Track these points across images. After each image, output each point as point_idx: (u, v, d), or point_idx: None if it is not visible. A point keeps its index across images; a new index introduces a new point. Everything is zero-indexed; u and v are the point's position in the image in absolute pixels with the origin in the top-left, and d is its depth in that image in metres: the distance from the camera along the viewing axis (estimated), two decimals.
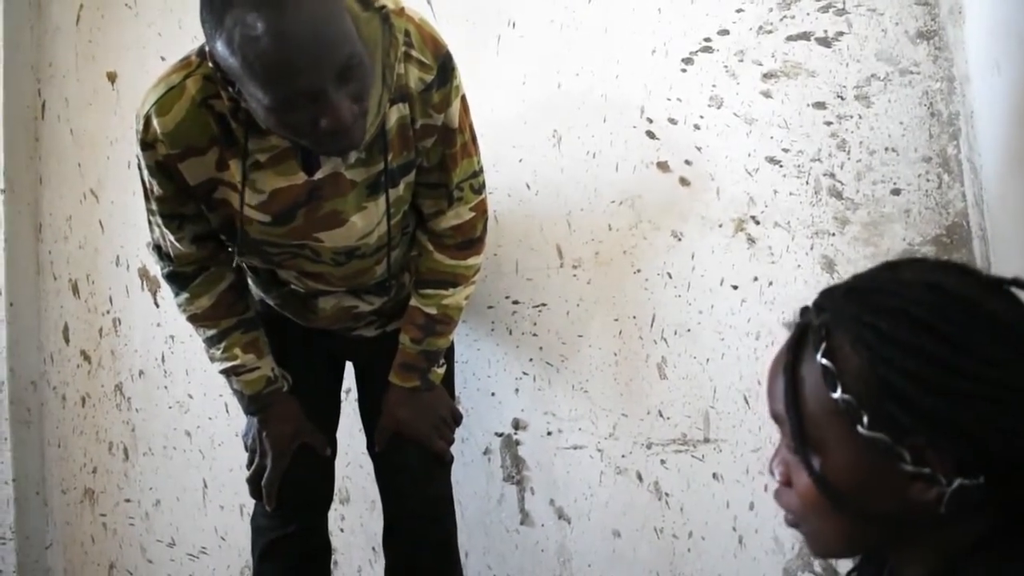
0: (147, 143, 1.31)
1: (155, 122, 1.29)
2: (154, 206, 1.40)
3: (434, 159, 1.43)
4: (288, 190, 1.33)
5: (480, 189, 1.50)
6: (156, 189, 1.36)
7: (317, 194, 1.34)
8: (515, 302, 1.89)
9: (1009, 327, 0.70)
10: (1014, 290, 0.74)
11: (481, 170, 1.49)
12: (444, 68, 1.35)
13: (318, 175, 1.33)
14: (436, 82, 1.35)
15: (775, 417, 0.77)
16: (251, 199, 1.34)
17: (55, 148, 2.44)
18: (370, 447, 1.62)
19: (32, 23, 2.47)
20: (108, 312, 2.35)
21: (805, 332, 0.75)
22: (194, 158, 1.31)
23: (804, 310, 0.78)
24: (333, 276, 1.48)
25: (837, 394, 0.70)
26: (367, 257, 1.46)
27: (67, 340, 2.41)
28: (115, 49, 2.36)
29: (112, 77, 2.35)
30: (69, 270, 2.41)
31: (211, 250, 1.45)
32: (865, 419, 0.69)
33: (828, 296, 0.77)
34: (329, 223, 1.38)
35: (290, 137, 1.22)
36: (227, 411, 2.13)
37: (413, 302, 1.52)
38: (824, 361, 0.72)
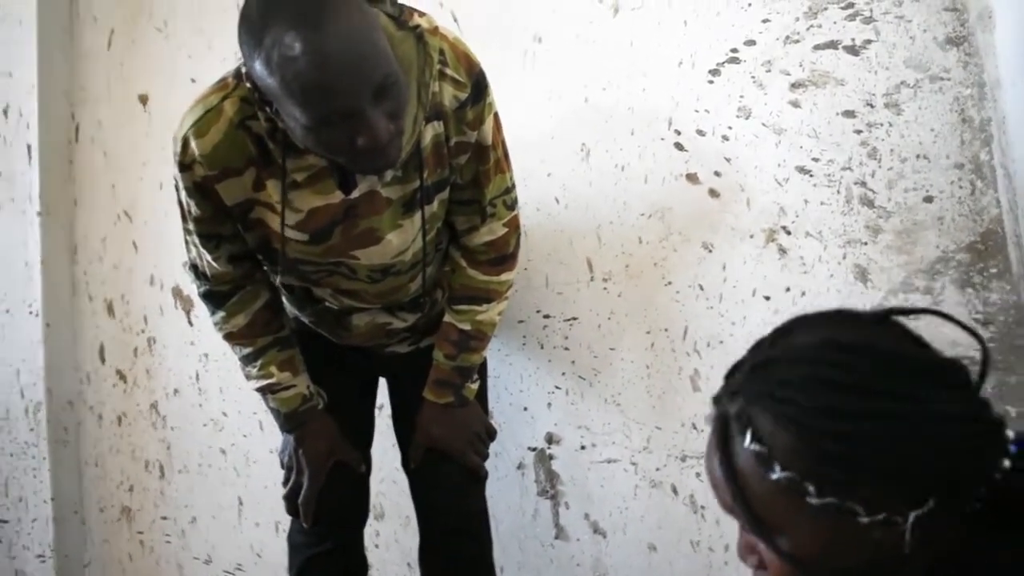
0: (185, 164, 1.32)
1: (193, 144, 1.30)
2: (191, 226, 1.40)
3: (468, 176, 1.43)
4: (325, 209, 1.34)
5: (513, 205, 1.50)
6: (194, 210, 1.37)
7: (353, 212, 1.35)
8: (546, 316, 1.89)
9: (907, 359, 0.72)
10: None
11: (513, 186, 1.50)
12: (478, 86, 1.36)
13: (355, 194, 1.33)
14: (470, 100, 1.35)
15: (726, 510, 0.77)
16: (289, 219, 1.34)
17: (89, 170, 2.46)
18: (404, 463, 1.62)
19: (65, 48, 2.51)
20: (143, 331, 2.36)
21: (726, 422, 0.75)
22: (232, 179, 1.32)
23: (717, 399, 0.78)
24: (368, 293, 1.48)
25: (776, 475, 0.70)
26: (402, 274, 1.46)
27: (103, 360, 2.43)
28: (146, 72, 2.38)
29: (144, 99, 2.38)
30: (104, 290, 2.43)
31: (247, 269, 1.46)
32: (811, 489, 0.69)
33: (735, 380, 0.77)
34: (365, 241, 1.38)
35: (327, 155, 1.23)
36: (261, 429, 2.14)
37: (447, 318, 1.52)
38: (755, 446, 0.72)
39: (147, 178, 2.36)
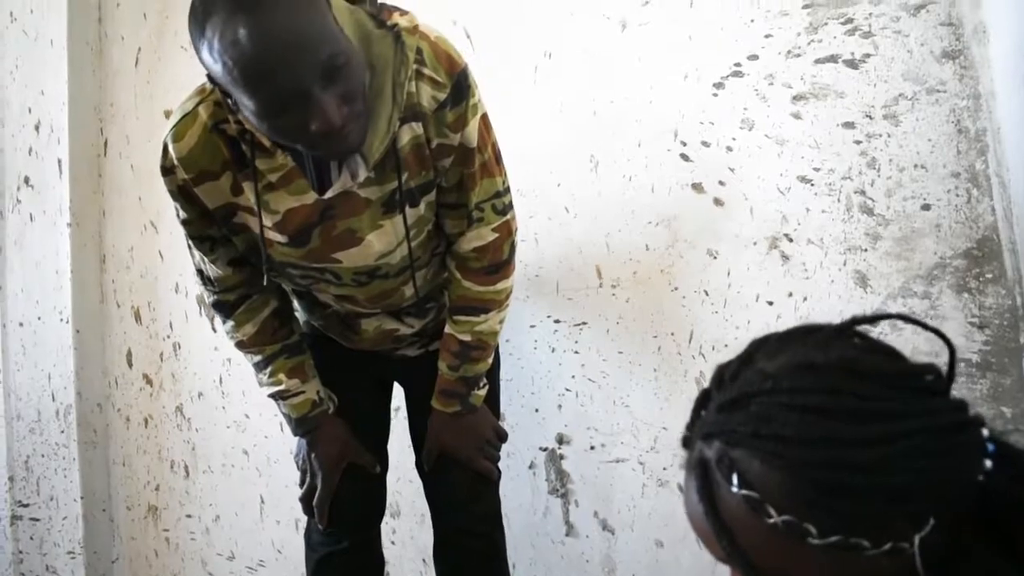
0: (166, 168, 1.31)
1: (171, 148, 1.28)
2: (185, 230, 1.40)
3: (453, 179, 1.37)
4: (300, 210, 1.31)
5: (504, 210, 1.43)
6: (181, 213, 1.36)
7: (330, 213, 1.31)
8: (556, 321, 1.89)
9: (886, 374, 0.67)
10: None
11: (506, 191, 1.43)
12: (459, 86, 1.29)
13: (329, 194, 1.29)
14: (450, 100, 1.29)
15: (721, 561, 0.70)
16: (267, 220, 1.31)
17: (117, 183, 2.48)
18: (419, 465, 1.61)
19: (94, 67, 2.53)
20: (168, 337, 2.37)
21: (706, 469, 0.68)
22: (209, 183, 1.30)
23: (688, 442, 0.71)
24: (361, 298, 1.45)
25: (772, 519, 0.64)
26: (390, 278, 1.42)
27: (130, 364, 2.44)
28: (171, 88, 2.40)
29: (169, 114, 2.38)
30: (132, 298, 2.44)
31: (249, 274, 1.43)
32: (812, 529, 0.63)
33: (706, 420, 0.70)
34: (345, 243, 1.34)
35: (287, 144, 1.19)
36: (282, 430, 2.14)
37: (448, 329, 1.49)
38: (744, 492, 0.65)
39: None
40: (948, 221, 1.56)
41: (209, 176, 1.29)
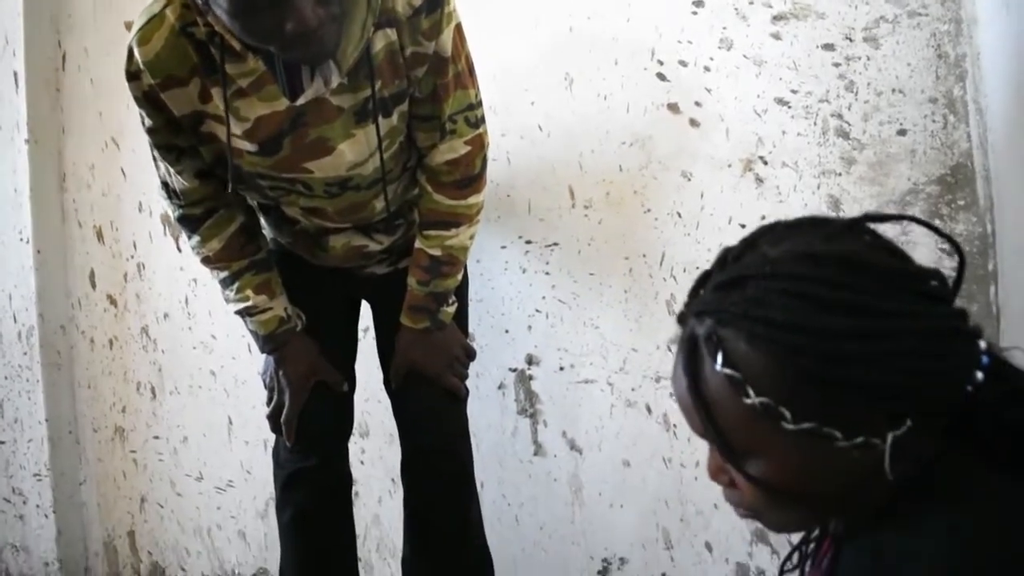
0: (131, 73, 1.28)
1: (137, 52, 1.25)
2: (150, 139, 1.36)
3: (426, 89, 1.36)
4: (272, 117, 1.29)
5: (477, 123, 1.42)
6: (147, 121, 1.33)
7: (302, 120, 1.30)
8: (528, 242, 1.87)
9: (887, 271, 0.67)
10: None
11: (479, 104, 1.42)
12: None
13: (301, 100, 1.27)
14: (425, 7, 1.28)
15: (697, 433, 0.72)
16: (236, 128, 1.29)
17: (76, 98, 2.40)
18: (387, 384, 1.60)
19: None
20: (132, 257, 2.33)
21: (694, 344, 0.69)
22: (176, 88, 1.27)
23: (682, 319, 0.72)
24: (331, 211, 1.44)
25: (751, 400, 0.65)
26: (362, 190, 1.41)
27: (93, 285, 2.40)
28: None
29: (130, 26, 2.28)
30: (93, 217, 2.39)
31: (216, 187, 1.41)
32: (787, 414, 0.65)
33: (701, 299, 0.70)
34: (316, 151, 1.33)
35: (260, 46, 1.17)
36: (249, 351, 2.12)
37: (418, 244, 1.48)
38: (727, 370, 0.66)
39: (134, 106, 2.25)
40: (923, 147, 1.55)
41: (176, 82, 1.26)
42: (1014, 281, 1.42)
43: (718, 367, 0.66)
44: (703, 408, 0.68)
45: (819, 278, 0.65)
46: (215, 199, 1.42)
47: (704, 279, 0.72)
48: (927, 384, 0.64)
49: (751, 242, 0.72)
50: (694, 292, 0.72)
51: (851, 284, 0.64)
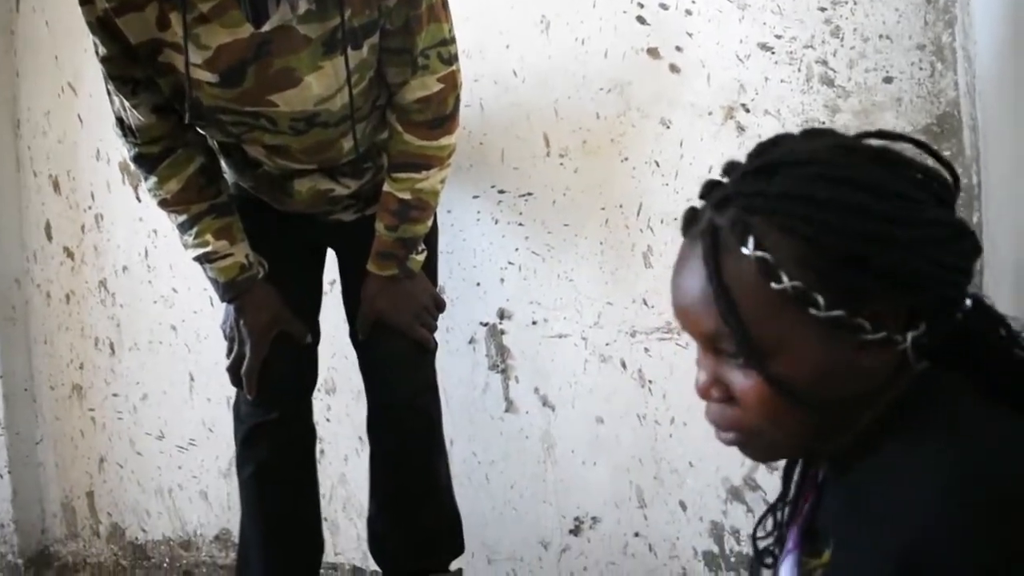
0: None
1: None
2: (104, 69, 1.30)
3: (398, 21, 1.31)
4: (234, 45, 1.23)
5: (450, 60, 1.39)
6: (101, 49, 1.27)
7: (266, 49, 1.24)
8: (501, 191, 1.83)
9: (924, 170, 0.68)
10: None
11: (452, 40, 1.39)
12: None
13: (266, 27, 1.23)
14: None
15: (704, 338, 0.69)
16: (196, 57, 1.24)
17: (31, 41, 2.30)
18: (353, 336, 1.57)
19: None
20: (90, 208, 2.25)
21: (715, 234, 0.67)
22: (132, 13, 1.21)
23: (692, 217, 0.71)
24: (296, 150, 1.39)
25: (784, 283, 0.64)
26: (330, 127, 1.37)
27: (49, 237, 2.32)
28: None
29: None
30: (49, 166, 2.30)
31: (174, 124, 1.36)
32: (820, 300, 0.63)
33: (723, 189, 0.69)
34: (282, 83, 1.28)
35: None
36: (211, 304, 2.06)
37: (386, 187, 1.45)
38: (759, 253, 0.64)
39: (91, 49, 2.15)
40: (910, 95, 1.53)
41: (132, 6, 1.21)
42: (1000, 233, 1.37)
43: (747, 251, 0.64)
44: (725, 297, 0.65)
45: (856, 164, 0.66)
46: (173, 137, 1.37)
47: (713, 185, 0.70)
48: (945, 280, 0.65)
49: (772, 142, 0.71)
50: (708, 189, 0.71)
51: (886, 174, 0.65)
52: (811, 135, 0.72)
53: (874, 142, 0.70)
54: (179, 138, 1.38)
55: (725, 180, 0.70)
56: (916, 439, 0.63)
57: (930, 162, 0.71)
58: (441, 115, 1.40)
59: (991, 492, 0.57)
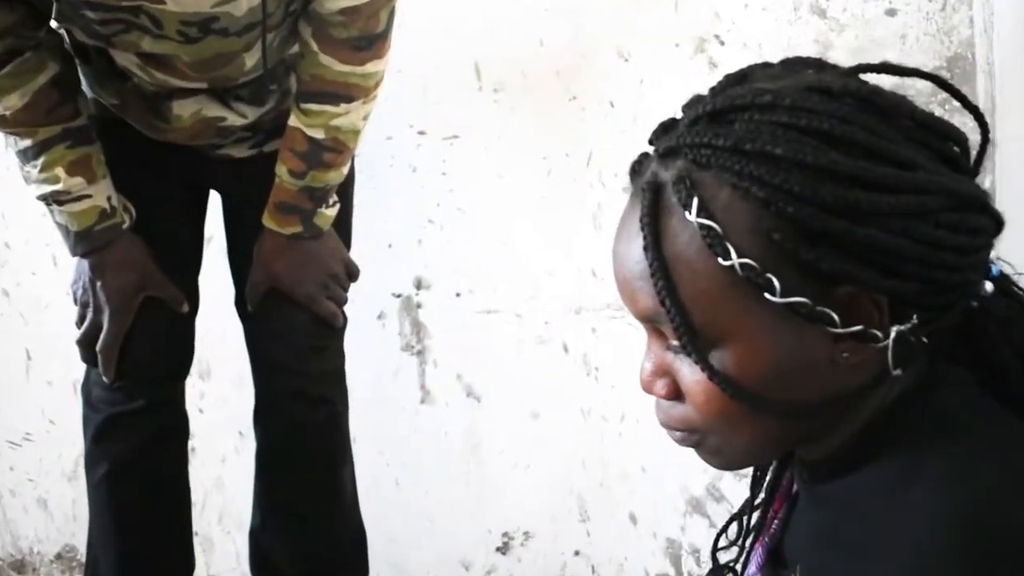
0: None
1: None
2: None
3: None
4: None
5: None
6: None
7: None
8: (420, 132, 1.77)
9: (918, 122, 0.62)
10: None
11: None
12: None
13: None
14: None
15: (642, 317, 0.65)
16: None
17: None
18: (239, 306, 1.50)
19: None
20: None
21: (657, 192, 0.62)
22: None
23: (638, 167, 0.66)
24: (183, 62, 1.28)
25: (732, 260, 0.59)
26: (231, 36, 1.26)
27: None
28: None
29: None
30: None
31: (23, 17, 1.24)
32: (775, 282, 0.59)
33: (670, 136, 0.64)
34: None
35: None
36: (55, 263, 1.92)
37: (292, 121, 1.35)
38: (702, 220, 0.60)
39: None
40: (916, 32, 1.53)
41: None
42: (1014, 196, 1.36)
43: (691, 217, 0.60)
44: (661, 272, 0.61)
45: (830, 113, 0.59)
46: (19, 34, 1.26)
47: (671, 123, 0.65)
48: (938, 263, 0.60)
49: (739, 76, 0.66)
50: (658, 133, 0.66)
51: (869, 126, 0.60)
52: (791, 67, 0.67)
53: (876, 80, 0.64)
54: (27, 37, 1.26)
55: (669, 131, 0.66)
56: (908, 460, 0.60)
57: (940, 111, 0.64)
58: (371, 33, 1.30)
59: (992, 543, 0.54)
